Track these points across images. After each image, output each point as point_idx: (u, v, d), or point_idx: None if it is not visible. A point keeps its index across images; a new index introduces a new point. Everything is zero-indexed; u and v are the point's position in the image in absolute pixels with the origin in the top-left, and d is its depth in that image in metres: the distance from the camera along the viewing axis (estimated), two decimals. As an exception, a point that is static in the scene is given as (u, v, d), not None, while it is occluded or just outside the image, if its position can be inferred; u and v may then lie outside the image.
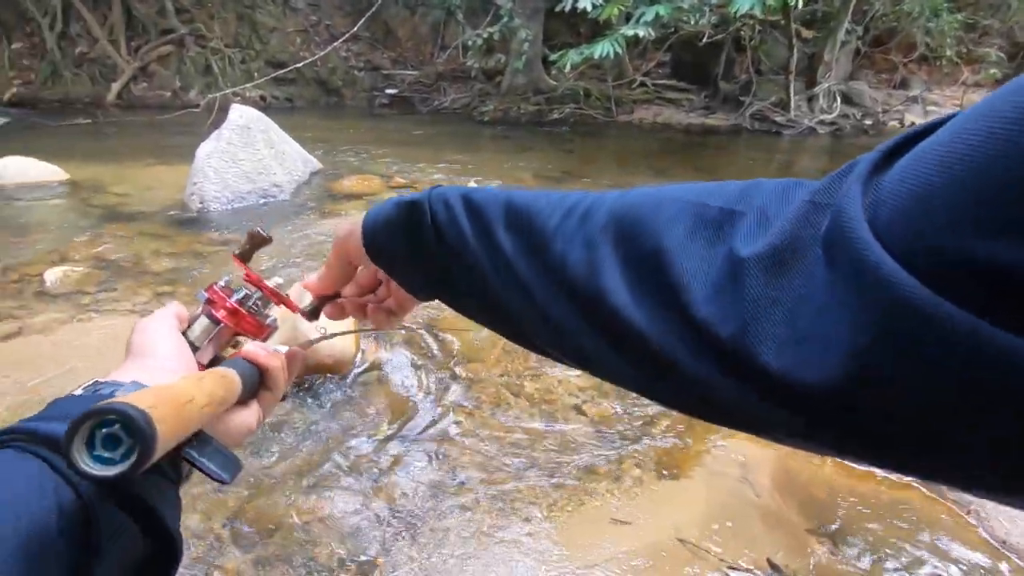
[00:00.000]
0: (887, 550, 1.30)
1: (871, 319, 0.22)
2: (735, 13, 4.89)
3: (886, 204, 0.23)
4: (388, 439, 1.62)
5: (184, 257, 2.87)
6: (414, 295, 0.48)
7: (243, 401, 0.43)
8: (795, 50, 7.02)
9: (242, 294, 0.50)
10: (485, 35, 7.52)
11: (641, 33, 5.10)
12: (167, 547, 0.35)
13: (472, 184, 3.73)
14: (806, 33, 7.76)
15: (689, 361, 0.30)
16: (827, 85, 7.43)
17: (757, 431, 0.30)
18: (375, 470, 1.51)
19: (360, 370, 1.92)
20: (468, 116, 7.86)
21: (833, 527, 1.36)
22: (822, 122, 7.14)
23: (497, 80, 8.29)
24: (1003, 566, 1.26)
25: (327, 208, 3.67)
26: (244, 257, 0.53)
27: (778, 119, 7.11)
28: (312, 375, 1.85)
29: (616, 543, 1.30)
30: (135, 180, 4.26)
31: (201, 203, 3.58)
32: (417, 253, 0.43)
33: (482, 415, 1.73)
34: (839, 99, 7.55)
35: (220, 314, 0.49)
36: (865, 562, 1.28)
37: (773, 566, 1.25)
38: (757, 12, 4.91)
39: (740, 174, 5.05)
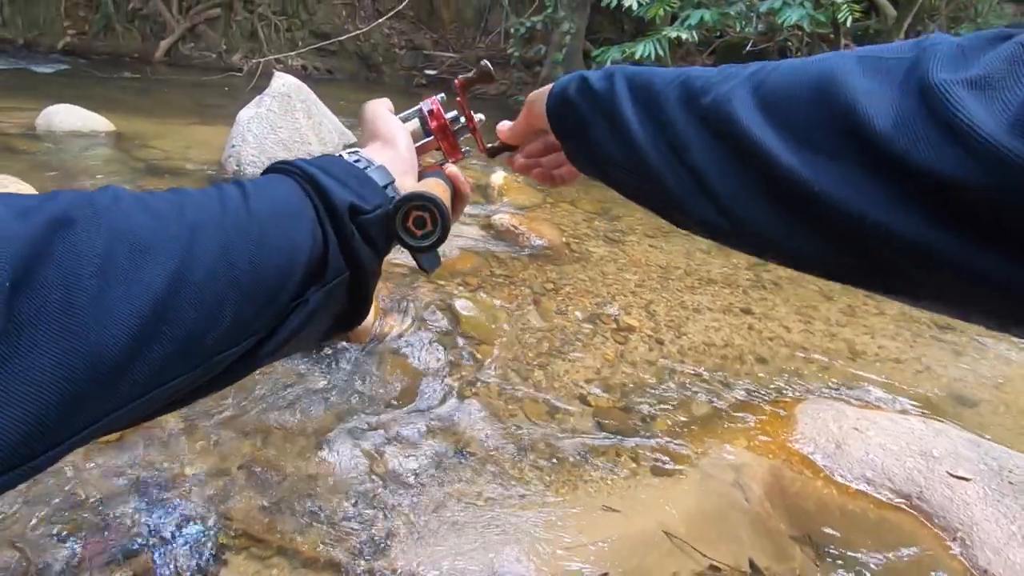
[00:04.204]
0: (869, 566, 1.34)
1: None
2: (783, 23, 4.82)
3: None
4: (396, 409, 1.69)
5: (218, 216, 2.97)
6: (576, 166, 0.50)
7: None
8: (842, 66, 6.87)
9: (453, 115, 0.55)
10: (528, 24, 7.51)
11: (684, 36, 5.06)
12: (360, 307, 0.43)
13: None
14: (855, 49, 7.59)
15: (881, 211, 0.26)
16: (871, 105, 7.25)
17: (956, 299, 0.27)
18: (382, 437, 1.58)
19: (376, 342, 2.00)
20: (504, 104, 7.88)
21: (817, 538, 1.40)
22: (862, 142, 6.99)
23: (536, 70, 8.27)
24: (981, 594, 1.29)
25: (358, 182, 3.75)
26: (467, 83, 0.56)
27: (816, 135, 6.98)
28: (331, 341, 1.93)
29: (604, 528, 1.36)
30: (176, 137, 4.39)
31: (237, 166, 3.68)
32: (586, 126, 0.44)
33: (489, 395, 1.80)
34: (882, 120, 7.38)
35: (433, 125, 0.54)
36: (845, 571, 1.31)
37: (754, 567, 1.29)
38: (805, 25, 4.83)
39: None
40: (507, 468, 1.52)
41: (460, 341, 2.06)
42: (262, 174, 0.42)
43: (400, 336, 2.05)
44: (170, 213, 0.32)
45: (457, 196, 0.52)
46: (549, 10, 7.16)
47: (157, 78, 7.58)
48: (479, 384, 1.85)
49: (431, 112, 0.54)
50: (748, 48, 6.82)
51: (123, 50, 8.78)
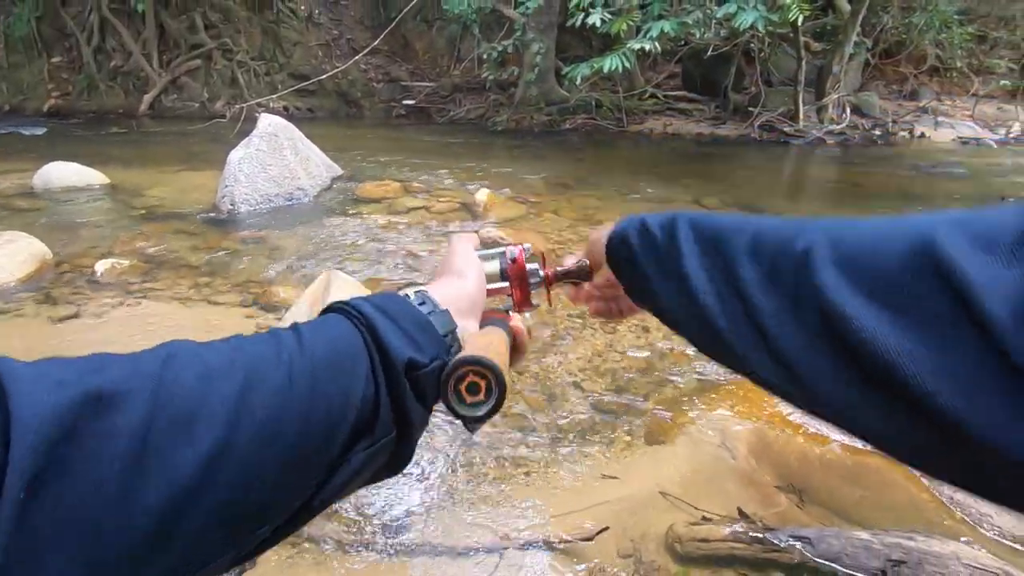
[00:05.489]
0: (848, 503, 1.46)
1: None
2: (739, 27, 5.08)
3: None
4: (405, 408, 1.82)
5: (217, 253, 3.11)
6: (636, 304, 0.50)
7: None
8: (803, 62, 7.16)
9: (533, 267, 0.56)
10: (500, 48, 7.80)
11: (648, 47, 5.30)
12: (402, 459, 0.40)
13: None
14: (815, 46, 7.92)
15: (992, 425, 0.23)
16: (836, 96, 7.55)
17: None
18: (393, 433, 1.70)
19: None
20: (482, 126, 8.12)
21: (800, 485, 1.52)
22: (831, 132, 7.26)
23: (511, 91, 8.54)
24: (949, 517, 1.42)
25: (348, 210, 3.91)
26: (559, 276, 0.58)
27: (786, 129, 7.26)
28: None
29: (604, 493, 1.48)
30: (169, 184, 4.55)
31: (231, 205, 3.83)
32: (644, 273, 0.44)
33: (489, 389, 1.92)
34: (848, 110, 7.67)
35: (512, 272, 0.54)
36: (827, 512, 1.44)
37: (742, 514, 1.41)
38: (760, 27, 5.09)
39: (749, 182, 5.21)
40: (511, 451, 1.64)
41: (458, 344, 2.18)
42: (321, 313, 0.40)
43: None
44: (221, 368, 0.30)
45: (516, 350, 0.50)
46: (519, 33, 7.45)
47: (143, 131, 7.77)
48: (479, 380, 1.97)
49: (514, 259, 0.54)
50: (711, 52, 7.11)
51: (108, 107, 9.00)
